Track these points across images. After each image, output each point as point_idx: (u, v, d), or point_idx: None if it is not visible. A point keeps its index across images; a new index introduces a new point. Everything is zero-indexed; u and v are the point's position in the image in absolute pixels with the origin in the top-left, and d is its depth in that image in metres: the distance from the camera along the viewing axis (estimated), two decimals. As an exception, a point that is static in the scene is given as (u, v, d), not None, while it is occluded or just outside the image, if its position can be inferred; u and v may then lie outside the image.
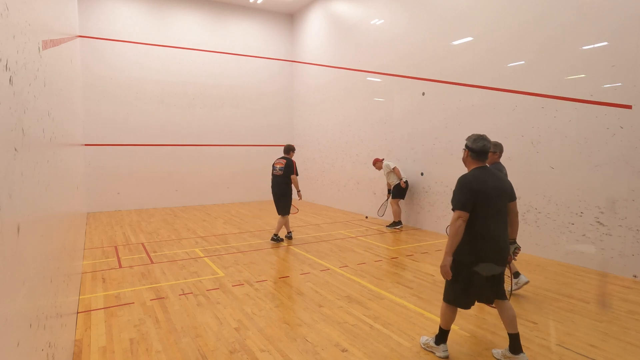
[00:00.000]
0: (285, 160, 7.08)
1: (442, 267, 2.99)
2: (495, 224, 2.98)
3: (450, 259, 2.97)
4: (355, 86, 10.58)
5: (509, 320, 3.04)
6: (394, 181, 8.43)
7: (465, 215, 2.91)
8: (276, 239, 7.19)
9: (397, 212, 8.45)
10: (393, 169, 8.39)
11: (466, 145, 3.13)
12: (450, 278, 3.01)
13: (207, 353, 3.23)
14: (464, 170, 3.20)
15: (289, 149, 7.28)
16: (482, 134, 3.13)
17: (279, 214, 7.17)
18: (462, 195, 2.95)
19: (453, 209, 2.98)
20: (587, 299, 4.42)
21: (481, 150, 3.05)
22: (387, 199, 8.89)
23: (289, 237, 7.40)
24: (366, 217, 9.30)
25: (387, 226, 8.62)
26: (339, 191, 11.46)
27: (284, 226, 7.30)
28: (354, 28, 10.53)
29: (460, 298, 3.06)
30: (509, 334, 3.05)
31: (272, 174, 7.18)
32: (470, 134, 3.17)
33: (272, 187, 7.16)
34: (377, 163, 8.70)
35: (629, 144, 5.09)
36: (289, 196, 7.09)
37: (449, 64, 7.69)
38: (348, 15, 10.80)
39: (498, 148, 4.50)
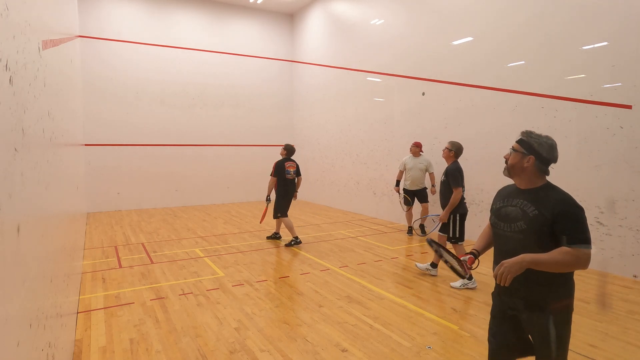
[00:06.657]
0: (295, 163, 7.16)
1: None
2: None
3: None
4: (356, 86, 10.58)
5: None
6: (421, 184, 7.64)
7: None
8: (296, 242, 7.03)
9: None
10: (431, 173, 7.69)
11: (534, 151, 2.17)
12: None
13: (207, 353, 3.23)
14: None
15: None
16: (550, 137, 2.27)
17: (285, 216, 7.03)
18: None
19: (585, 245, 2.08)
20: (587, 299, 4.42)
21: (553, 161, 2.24)
22: (403, 197, 7.82)
23: (279, 237, 7.44)
24: None
25: (408, 233, 7.92)
26: (339, 191, 11.45)
27: (282, 226, 7.38)
28: (354, 28, 10.52)
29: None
30: None
31: (287, 178, 6.95)
32: (542, 134, 2.28)
33: (290, 190, 7.07)
34: (415, 148, 7.62)
35: (629, 144, 5.09)
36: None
37: (449, 64, 7.69)
38: (348, 15, 10.80)
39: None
